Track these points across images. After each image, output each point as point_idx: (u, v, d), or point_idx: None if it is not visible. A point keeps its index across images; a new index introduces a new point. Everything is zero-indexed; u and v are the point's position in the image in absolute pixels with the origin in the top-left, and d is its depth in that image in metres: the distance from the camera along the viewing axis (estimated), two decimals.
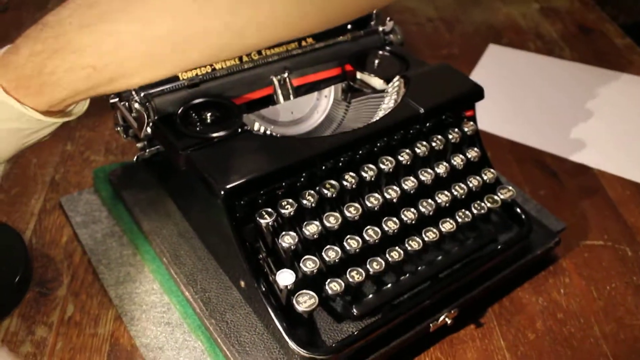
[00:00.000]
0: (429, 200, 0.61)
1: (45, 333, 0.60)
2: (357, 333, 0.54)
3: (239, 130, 0.58)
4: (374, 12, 0.73)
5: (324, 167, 0.57)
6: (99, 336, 0.60)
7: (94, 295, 0.64)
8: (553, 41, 1.15)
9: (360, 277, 0.55)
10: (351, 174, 0.58)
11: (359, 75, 0.71)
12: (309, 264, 0.53)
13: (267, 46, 0.49)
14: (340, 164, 0.58)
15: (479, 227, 0.65)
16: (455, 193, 0.63)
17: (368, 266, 0.56)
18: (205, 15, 0.43)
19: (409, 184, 0.61)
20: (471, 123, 0.67)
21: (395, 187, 0.60)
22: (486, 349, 0.60)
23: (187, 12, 0.43)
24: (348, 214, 0.56)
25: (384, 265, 0.56)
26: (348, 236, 0.56)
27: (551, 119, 0.93)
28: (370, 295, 0.56)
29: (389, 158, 0.60)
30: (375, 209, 0.58)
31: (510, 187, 0.66)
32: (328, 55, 0.70)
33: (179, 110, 0.60)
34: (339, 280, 0.54)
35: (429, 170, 0.62)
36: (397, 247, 0.58)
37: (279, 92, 0.67)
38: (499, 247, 0.63)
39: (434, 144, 0.63)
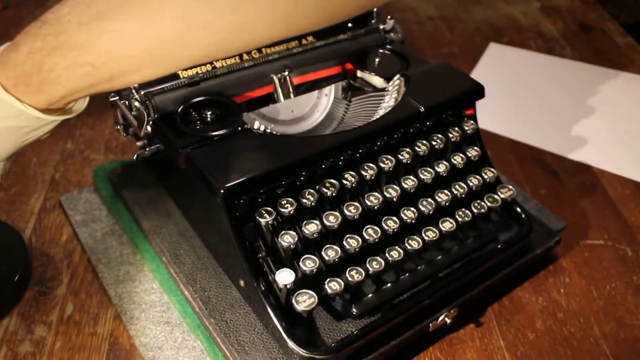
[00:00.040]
0: (429, 200, 0.61)
1: (44, 332, 0.59)
2: (357, 332, 0.54)
3: (239, 128, 0.58)
4: (375, 10, 0.73)
5: (324, 166, 0.56)
6: (98, 335, 0.59)
7: (94, 294, 0.63)
8: (554, 40, 1.15)
9: (360, 277, 0.55)
10: (351, 172, 0.58)
11: (359, 73, 0.70)
12: (309, 263, 0.53)
13: (267, 44, 0.49)
14: (340, 163, 0.58)
15: (479, 227, 0.65)
16: (456, 192, 0.63)
17: (368, 265, 0.56)
18: (205, 12, 0.43)
19: (409, 183, 0.60)
20: (471, 122, 0.66)
21: (395, 186, 0.60)
22: (486, 348, 0.60)
23: (187, 10, 0.42)
24: (348, 213, 0.56)
25: (383, 264, 0.56)
26: (348, 235, 0.56)
27: (552, 118, 0.93)
28: (370, 295, 0.56)
29: (389, 157, 0.60)
30: (375, 208, 0.58)
31: (511, 186, 0.66)
32: (328, 53, 0.70)
33: (179, 109, 0.60)
34: (339, 280, 0.54)
35: (429, 169, 0.62)
36: (397, 247, 0.58)
37: (280, 90, 0.66)
38: (499, 246, 0.63)
39: (434, 143, 0.63)
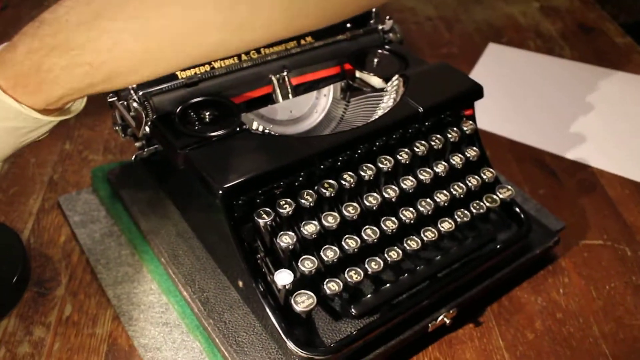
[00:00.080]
0: (428, 200, 0.61)
1: (43, 333, 0.59)
2: (356, 333, 0.54)
3: (238, 129, 0.57)
4: (373, 10, 0.73)
5: (322, 167, 0.56)
6: (97, 336, 0.59)
7: (92, 295, 0.63)
8: (553, 40, 1.15)
9: (359, 277, 0.54)
10: (350, 173, 0.57)
11: (358, 74, 0.70)
12: (307, 264, 0.53)
13: (266, 44, 0.49)
14: (339, 163, 0.57)
15: (478, 227, 0.65)
16: (454, 192, 0.63)
17: (366, 266, 0.56)
18: (204, 11, 0.43)
19: (408, 183, 0.60)
20: (470, 122, 0.66)
21: (394, 187, 0.60)
22: (485, 348, 0.60)
23: (185, 9, 0.42)
24: (346, 214, 0.56)
25: (382, 264, 0.56)
26: (346, 236, 0.56)
27: (551, 118, 0.93)
28: (369, 295, 0.56)
29: (388, 157, 0.60)
30: (374, 208, 0.58)
31: (510, 187, 0.66)
32: (327, 54, 0.70)
33: (178, 109, 0.59)
34: (338, 280, 0.54)
35: (428, 169, 0.62)
36: (395, 247, 0.58)
37: (278, 91, 0.66)
38: (498, 246, 0.63)
39: (433, 143, 0.63)
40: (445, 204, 0.62)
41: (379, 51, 0.72)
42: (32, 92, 0.45)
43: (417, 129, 0.63)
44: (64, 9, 0.43)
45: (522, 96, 0.99)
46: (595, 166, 0.84)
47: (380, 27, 0.74)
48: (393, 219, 0.58)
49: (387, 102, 0.65)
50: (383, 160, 0.59)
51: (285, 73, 0.66)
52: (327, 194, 0.56)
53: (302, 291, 0.52)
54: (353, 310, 0.55)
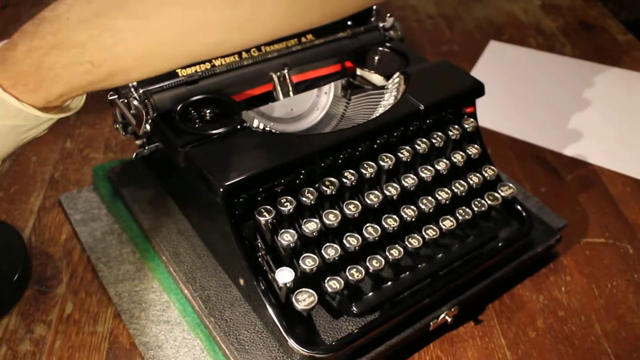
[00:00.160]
0: (429, 198, 0.61)
1: (44, 331, 0.59)
2: (357, 331, 0.54)
3: (238, 127, 0.57)
4: (374, 8, 0.73)
5: (323, 164, 0.56)
6: (98, 334, 0.59)
7: (93, 293, 0.63)
8: (554, 37, 1.15)
9: (360, 275, 0.54)
10: (351, 171, 0.57)
11: (359, 71, 0.70)
12: (308, 262, 0.53)
13: (268, 41, 0.49)
14: (340, 161, 0.57)
15: (479, 225, 0.65)
16: (456, 190, 0.63)
17: (368, 264, 0.56)
18: (205, 9, 0.43)
19: (409, 181, 0.60)
20: (471, 120, 0.66)
21: (395, 185, 0.60)
22: (486, 347, 0.60)
23: (186, 6, 0.42)
24: (347, 212, 0.56)
25: (383, 263, 0.56)
26: (347, 234, 0.56)
27: (552, 116, 0.93)
28: (370, 293, 0.56)
29: (389, 155, 0.60)
30: (375, 206, 0.58)
31: (511, 184, 0.66)
32: (328, 51, 0.70)
33: (178, 107, 0.59)
34: (339, 278, 0.54)
35: (429, 167, 0.62)
36: (397, 245, 0.58)
37: (279, 88, 0.66)
38: (500, 244, 0.63)
39: (434, 141, 0.63)
40: (447, 202, 0.62)
41: (380, 49, 0.72)
42: (32, 90, 0.45)
43: (418, 127, 0.63)
44: (64, 7, 0.43)
45: (523, 94, 0.98)
46: (596, 164, 0.83)
47: (381, 24, 0.74)
48: (394, 216, 0.58)
49: (388, 100, 0.65)
50: (384, 158, 0.59)
51: (286, 71, 0.66)
52: (328, 191, 0.56)
53: (303, 289, 0.52)
54: (354, 308, 0.55)
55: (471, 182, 0.64)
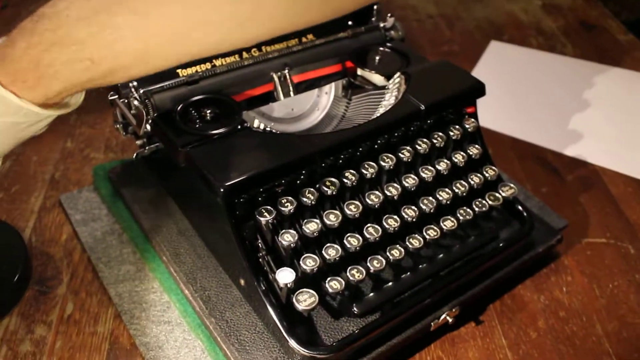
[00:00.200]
0: (430, 198, 0.61)
1: (44, 332, 0.59)
2: (358, 332, 0.54)
3: (239, 127, 0.57)
4: (375, 8, 0.73)
5: (324, 165, 0.56)
6: (99, 335, 0.59)
7: (94, 293, 0.63)
8: (555, 37, 1.14)
9: (361, 276, 0.54)
10: (351, 171, 0.57)
11: (359, 71, 0.70)
12: (309, 262, 0.53)
13: (269, 39, 0.49)
14: (341, 161, 0.57)
15: (480, 225, 0.65)
16: (457, 190, 0.63)
17: (368, 264, 0.56)
18: (205, 8, 0.43)
19: (410, 181, 0.60)
20: (472, 120, 0.66)
21: (395, 185, 0.59)
22: (487, 347, 0.60)
23: (186, 5, 0.42)
24: (348, 212, 0.56)
25: (384, 263, 0.56)
26: (348, 234, 0.56)
27: (553, 116, 0.93)
28: (371, 294, 0.56)
29: (390, 155, 0.59)
30: (376, 206, 0.58)
31: (512, 185, 0.66)
32: (328, 51, 0.70)
33: (179, 107, 0.59)
34: (339, 279, 0.54)
35: (430, 167, 0.62)
36: (397, 245, 0.58)
37: (279, 88, 0.66)
38: (501, 244, 0.62)
39: (434, 141, 0.63)
40: (448, 202, 0.62)
41: (381, 49, 0.72)
42: (32, 87, 0.45)
43: (419, 127, 0.62)
44: (63, 4, 0.43)
45: (524, 94, 0.98)
46: (597, 164, 0.83)
47: (381, 24, 0.73)
48: (395, 217, 0.58)
49: (388, 100, 0.65)
50: (385, 158, 0.59)
51: (286, 71, 0.66)
52: (329, 192, 0.56)
53: (304, 290, 0.52)
54: (355, 308, 0.54)
55: (472, 182, 0.64)
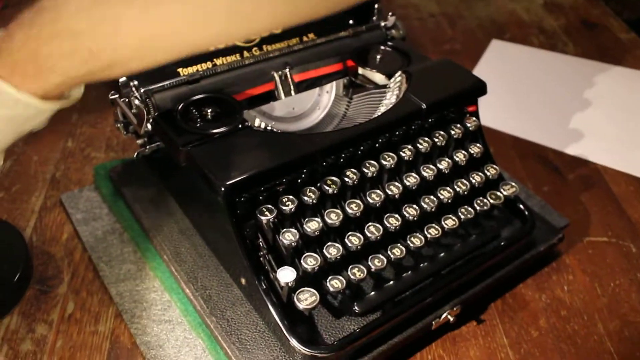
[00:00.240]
0: (431, 197, 0.61)
1: (45, 331, 0.59)
2: (359, 330, 0.54)
3: (240, 126, 0.57)
4: (376, 7, 0.73)
5: (325, 164, 0.56)
6: (100, 334, 0.59)
7: (95, 292, 0.63)
8: (556, 36, 1.14)
9: (362, 274, 0.54)
10: (352, 170, 0.57)
11: (360, 70, 0.70)
12: (310, 261, 0.53)
13: (269, 32, 0.48)
14: (342, 160, 0.57)
15: (481, 224, 0.65)
16: (458, 189, 0.63)
17: (369, 263, 0.55)
18: (204, 7, 0.42)
19: (411, 180, 0.60)
20: (474, 118, 0.66)
21: (397, 184, 0.59)
22: (489, 346, 0.59)
23: (185, 4, 0.42)
24: (349, 211, 0.56)
25: (385, 262, 0.56)
26: (349, 233, 0.56)
27: (554, 115, 0.93)
28: (372, 293, 0.56)
29: (391, 154, 0.59)
30: (377, 205, 0.58)
31: (513, 183, 0.66)
32: (329, 50, 0.70)
33: (179, 106, 0.59)
34: (340, 278, 0.54)
35: (431, 166, 0.62)
36: (398, 244, 0.58)
37: (280, 87, 0.66)
38: (502, 243, 0.62)
39: (436, 140, 0.62)
40: (449, 201, 0.62)
41: (382, 48, 0.72)
42: (31, 80, 0.44)
43: (420, 126, 0.62)
44: None
45: (525, 92, 0.98)
46: (598, 162, 0.83)
47: (382, 23, 0.73)
48: (396, 216, 0.58)
49: (389, 99, 0.65)
50: (386, 157, 0.59)
51: (287, 70, 0.66)
52: (330, 191, 0.56)
53: (305, 288, 0.52)
54: (356, 307, 0.54)
55: (473, 181, 0.64)
